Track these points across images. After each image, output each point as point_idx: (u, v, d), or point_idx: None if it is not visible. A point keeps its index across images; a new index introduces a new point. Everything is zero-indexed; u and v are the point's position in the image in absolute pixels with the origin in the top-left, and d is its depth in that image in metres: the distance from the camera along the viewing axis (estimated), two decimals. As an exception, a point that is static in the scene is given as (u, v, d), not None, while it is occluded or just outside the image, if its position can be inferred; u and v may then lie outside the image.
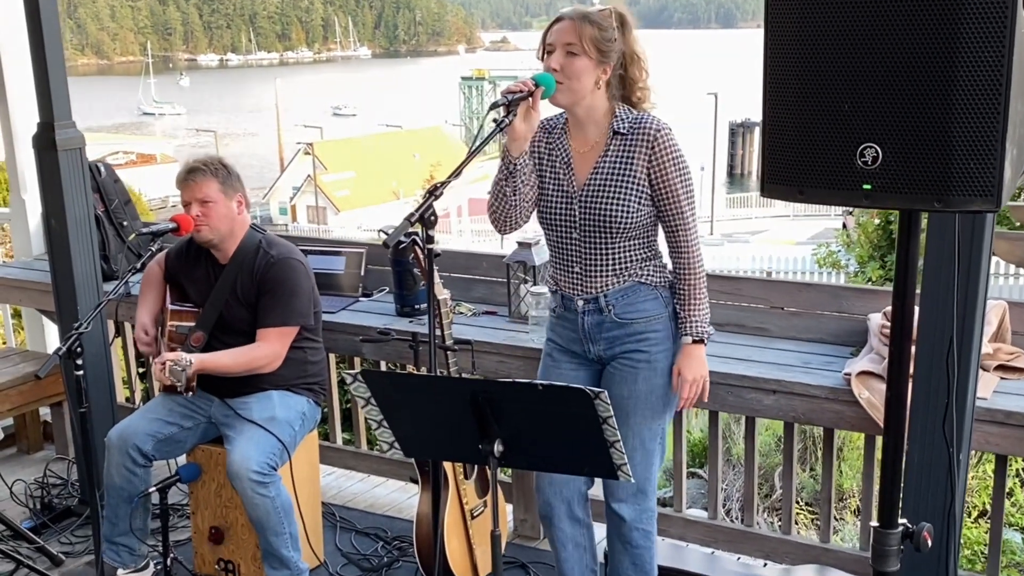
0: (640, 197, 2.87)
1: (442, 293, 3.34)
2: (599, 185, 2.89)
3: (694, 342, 2.95)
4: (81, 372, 3.11)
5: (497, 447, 2.35)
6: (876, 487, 2.68)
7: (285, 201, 43.12)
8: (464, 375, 3.88)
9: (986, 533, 4.86)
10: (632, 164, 2.86)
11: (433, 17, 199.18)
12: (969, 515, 6.31)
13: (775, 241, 27.87)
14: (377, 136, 49.06)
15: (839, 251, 16.50)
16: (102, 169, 4.85)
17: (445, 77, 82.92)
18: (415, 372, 3.58)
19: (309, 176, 40.90)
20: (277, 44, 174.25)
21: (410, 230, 2.71)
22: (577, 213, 2.92)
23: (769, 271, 21.01)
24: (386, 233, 2.72)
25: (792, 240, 27.20)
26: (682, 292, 2.95)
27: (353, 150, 44.16)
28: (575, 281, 2.98)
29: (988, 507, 5.67)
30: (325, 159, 41.53)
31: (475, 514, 3.50)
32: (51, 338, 5.14)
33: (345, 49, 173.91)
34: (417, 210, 2.65)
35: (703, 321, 2.96)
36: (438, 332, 3.27)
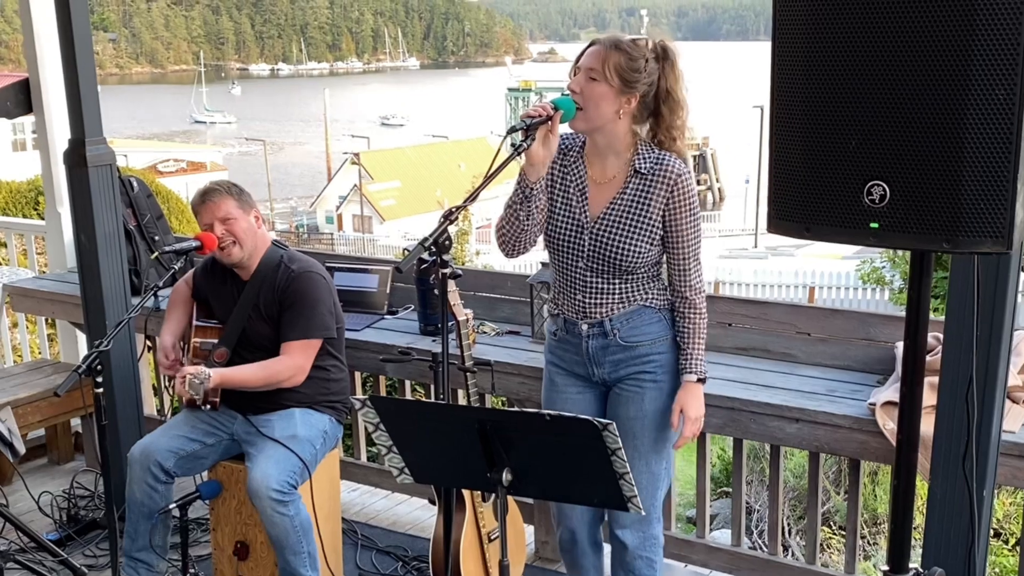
0: (652, 239, 2.86)
1: (463, 313, 3.31)
2: (613, 222, 2.86)
3: (698, 380, 2.93)
4: (101, 390, 3.13)
5: (506, 476, 2.33)
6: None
7: (331, 210, 43.48)
8: (485, 396, 3.87)
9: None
10: (648, 205, 2.84)
11: (481, 28, 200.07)
12: (1007, 542, 6.19)
13: (820, 255, 27.51)
14: (423, 146, 49.28)
15: (884, 267, 16.28)
16: (135, 184, 4.90)
17: (492, 88, 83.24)
18: (423, 398, 3.56)
19: (355, 185, 41.19)
20: (327, 54, 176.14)
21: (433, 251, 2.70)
22: (586, 244, 2.89)
23: (812, 286, 20.78)
24: (408, 251, 2.71)
25: (838, 254, 26.84)
26: (684, 329, 2.93)
27: (399, 160, 44.40)
28: (579, 307, 2.95)
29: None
30: (372, 169, 41.81)
31: (492, 537, 3.47)
32: (84, 350, 5.20)
33: (394, 60, 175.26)
34: (432, 234, 2.63)
35: (703, 359, 2.94)
36: (457, 352, 3.25)
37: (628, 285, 2.91)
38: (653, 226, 2.84)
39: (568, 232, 2.91)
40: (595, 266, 2.89)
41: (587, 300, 2.93)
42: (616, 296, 2.91)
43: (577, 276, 2.93)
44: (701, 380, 2.93)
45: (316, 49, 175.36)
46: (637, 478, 2.92)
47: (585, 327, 2.95)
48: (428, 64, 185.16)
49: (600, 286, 2.91)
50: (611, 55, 2.76)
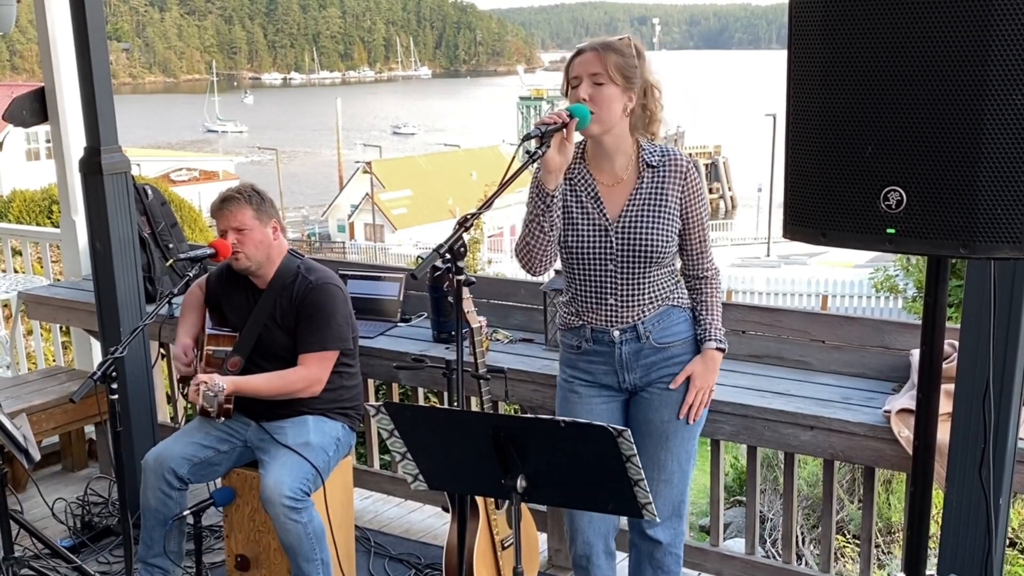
0: (674, 226, 2.91)
1: (476, 321, 3.31)
2: (635, 216, 2.89)
3: (717, 348, 2.98)
4: (116, 396, 3.14)
5: (520, 483, 2.33)
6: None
7: (343, 219, 43.58)
8: (498, 403, 3.87)
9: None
10: (665, 195, 2.89)
11: (493, 37, 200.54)
12: (1023, 552, 6.15)
13: (833, 263, 27.49)
14: (435, 155, 49.43)
15: (897, 275, 16.22)
16: (149, 192, 4.92)
17: (504, 97, 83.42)
18: (437, 405, 3.56)
19: (367, 194, 41.29)
20: (340, 63, 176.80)
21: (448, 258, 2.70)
22: (614, 244, 2.90)
23: (824, 294, 20.74)
24: (423, 258, 2.71)
25: (851, 262, 26.79)
26: (706, 303, 3.01)
27: (411, 169, 44.51)
28: (610, 313, 2.95)
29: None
30: (383, 177, 41.91)
31: (505, 545, 3.47)
32: (98, 357, 5.22)
33: (406, 69, 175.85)
34: (447, 241, 2.63)
35: (722, 329, 3.01)
36: (471, 360, 3.25)
37: (656, 283, 2.94)
38: (672, 214, 2.90)
39: (592, 237, 2.92)
40: (625, 265, 2.90)
41: (619, 304, 2.94)
42: (647, 296, 2.93)
43: (607, 280, 2.93)
44: (720, 349, 2.98)
45: (328, 58, 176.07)
46: (670, 478, 2.98)
47: (617, 333, 2.96)
48: (440, 73, 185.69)
49: (630, 287, 2.92)
50: (609, 56, 2.81)
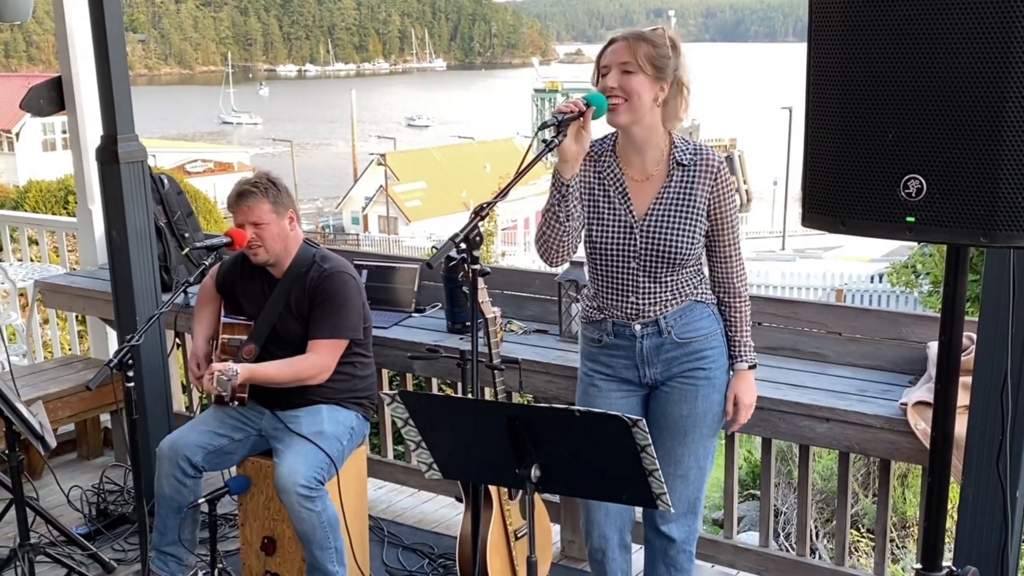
0: (700, 228, 2.87)
1: (491, 311, 3.31)
2: (662, 216, 2.86)
3: (749, 367, 3.00)
4: (132, 384, 3.15)
5: (534, 472, 2.32)
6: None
7: (357, 211, 43.64)
8: (512, 394, 3.87)
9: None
10: (694, 196, 2.85)
11: (508, 29, 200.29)
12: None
13: (849, 257, 27.36)
14: (449, 147, 49.42)
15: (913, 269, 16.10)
16: (165, 181, 4.93)
17: (519, 89, 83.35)
18: (452, 394, 3.56)
19: (381, 186, 41.32)
20: (354, 55, 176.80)
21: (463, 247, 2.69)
22: (638, 242, 2.87)
23: (839, 289, 20.66)
24: (436, 249, 2.70)
25: (866, 257, 26.66)
26: (735, 317, 2.98)
27: (425, 161, 44.53)
28: (631, 308, 2.93)
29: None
30: (397, 170, 41.93)
31: (519, 535, 3.47)
32: (114, 346, 5.24)
33: (421, 61, 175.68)
34: (462, 231, 2.62)
35: (752, 346, 3.01)
36: (485, 350, 3.25)
37: (680, 281, 2.91)
38: (699, 215, 2.86)
39: (617, 233, 2.89)
40: (648, 264, 2.87)
41: (641, 300, 2.91)
42: (669, 292, 2.90)
43: (629, 277, 2.90)
44: (752, 367, 3.00)
45: (343, 50, 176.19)
46: (687, 474, 2.97)
47: (639, 327, 2.93)
48: (455, 65, 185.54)
49: (653, 285, 2.89)
50: (639, 46, 2.77)
